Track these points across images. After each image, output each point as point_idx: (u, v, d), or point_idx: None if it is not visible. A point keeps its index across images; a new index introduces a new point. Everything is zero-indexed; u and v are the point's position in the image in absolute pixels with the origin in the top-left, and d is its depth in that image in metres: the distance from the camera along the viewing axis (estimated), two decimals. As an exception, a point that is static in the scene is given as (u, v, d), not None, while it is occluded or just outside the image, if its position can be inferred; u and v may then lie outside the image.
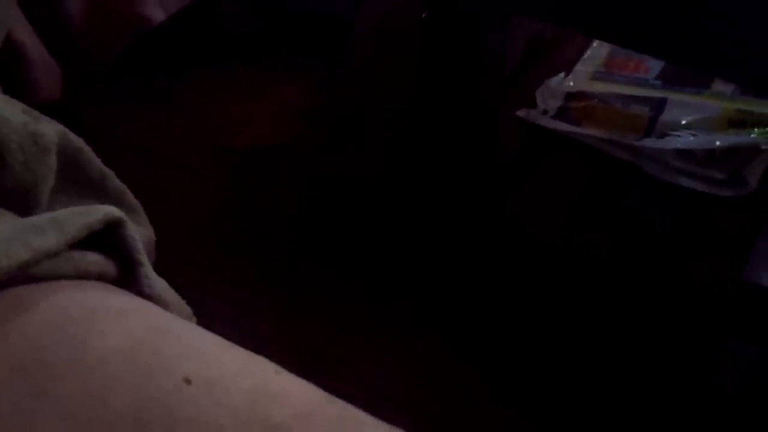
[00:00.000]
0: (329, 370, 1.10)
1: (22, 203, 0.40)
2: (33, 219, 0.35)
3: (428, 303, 1.18)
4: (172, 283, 0.44)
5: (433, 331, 1.16)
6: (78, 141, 0.46)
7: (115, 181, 0.48)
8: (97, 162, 0.47)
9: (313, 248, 1.26)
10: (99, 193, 0.47)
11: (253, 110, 1.45)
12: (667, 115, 1.13)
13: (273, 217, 1.30)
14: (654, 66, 1.21)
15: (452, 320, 1.17)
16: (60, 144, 0.43)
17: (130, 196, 0.49)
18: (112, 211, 0.37)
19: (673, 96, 1.16)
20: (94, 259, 0.36)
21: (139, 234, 0.42)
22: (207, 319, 0.45)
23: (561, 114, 1.17)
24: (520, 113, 1.17)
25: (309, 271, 1.23)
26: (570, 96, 1.19)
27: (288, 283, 1.22)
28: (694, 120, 1.11)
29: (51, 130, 0.42)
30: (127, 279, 0.38)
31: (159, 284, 0.40)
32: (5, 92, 0.49)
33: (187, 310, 0.45)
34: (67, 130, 0.45)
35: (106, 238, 0.38)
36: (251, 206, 1.32)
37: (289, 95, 1.46)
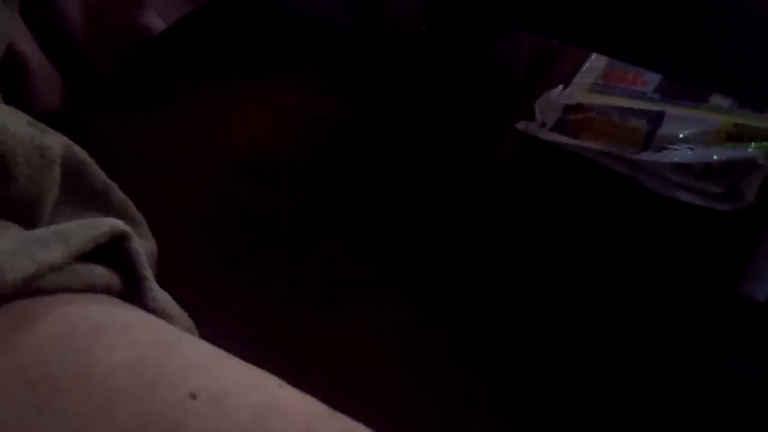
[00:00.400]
0: (329, 377, 1.11)
1: (27, 215, 0.41)
2: (38, 232, 0.35)
3: (428, 310, 1.18)
4: (169, 291, 0.44)
5: (433, 337, 1.17)
6: (82, 153, 0.46)
7: (118, 194, 0.48)
8: (100, 174, 0.47)
9: (311, 256, 1.26)
10: (102, 205, 0.47)
11: (252, 117, 1.45)
12: (664, 129, 1.14)
13: (272, 225, 1.30)
14: (652, 79, 1.21)
15: (452, 327, 1.17)
16: (65, 156, 0.44)
17: (133, 209, 0.49)
18: (117, 224, 0.37)
19: (670, 109, 1.16)
20: (99, 273, 0.36)
21: (143, 247, 0.42)
22: (205, 328, 0.46)
23: (559, 126, 1.17)
24: (519, 125, 1.18)
25: (308, 279, 1.23)
26: (568, 108, 1.19)
27: (287, 292, 1.22)
28: (692, 134, 1.12)
29: (56, 142, 0.43)
30: (132, 292, 0.38)
31: (163, 297, 0.40)
32: (6, 101, 0.49)
33: (190, 322, 0.45)
34: (71, 142, 0.46)
35: (111, 251, 0.38)
36: (250, 214, 1.32)
37: (287, 103, 1.47)
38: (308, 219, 1.30)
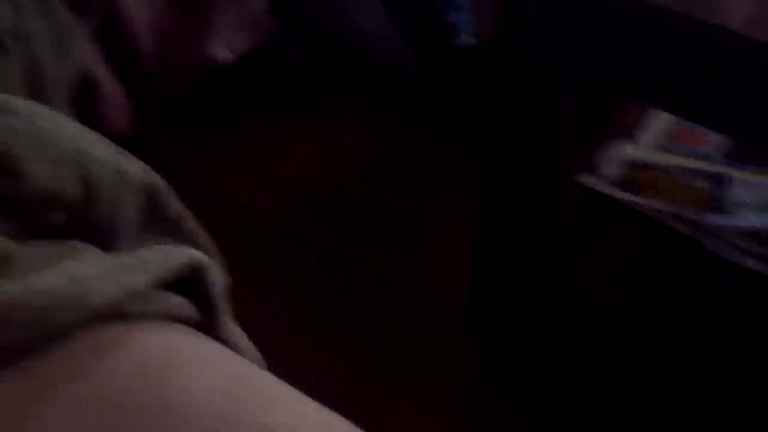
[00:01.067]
0: (381, 423, 1.10)
1: (105, 239, 0.41)
2: (122, 257, 0.35)
3: (484, 362, 1.17)
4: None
5: (488, 391, 1.16)
6: (159, 180, 0.46)
7: (191, 223, 0.49)
8: (174, 201, 0.48)
9: (367, 299, 1.26)
10: (176, 233, 0.47)
11: (313, 154, 1.46)
12: (730, 192, 1.12)
13: (328, 262, 1.31)
14: (718, 140, 1.20)
15: (508, 382, 1.16)
16: (143, 183, 0.44)
17: (205, 238, 0.50)
18: (197, 255, 0.38)
19: (737, 173, 1.15)
20: (178, 302, 0.36)
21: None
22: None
23: (622, 182, 1.16)
24: (581, 179, 1.17)
25: (362, 321, 1.23)
26: (632, 165, 1.18)
27: (339, 331, 1.22)
28: (758, 199, 1.10)
29: (138, 168, 0.43)
30: (206, 323, 0.38)
31: (235, 330, 0.41)
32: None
33: (258, 356, 0.45)
34: (149, 169, 0.46)
35: (188, 281, 0.38)
36: (307, 250, 1.33)
37: (348, 141, 1.47)
38: (365, 261, 1.30)
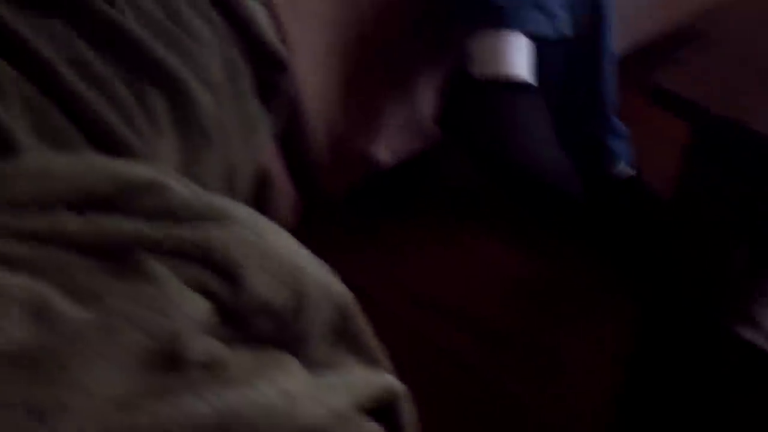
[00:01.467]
0: None
1: (300, 350, 0.42)
2: (330, 379, 0.36)
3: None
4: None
5: None
6: (352, 299, 0.47)
7: (373, 341, 0.49)
8: (362, 319, 0.49)
9: (503, 423, 1.24)
10: (359, 350, 0.48)
11: (459, 267, 1.46)
12: None
13: (460, 374, 1.30)
14: None
15: None
16: (341, 301, 0.45)
17: (386, 358, 0.50)
18: (395, 383, 0.38)
19: None
20: (374, 429, 0.37)
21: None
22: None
23: (782, 339, 1.12)
24: (740, 330, 1.13)
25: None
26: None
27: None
28: None
29: (340, 287, 0.45)
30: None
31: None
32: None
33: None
34: (345, 287, 0.47)
35: (382, 407, 0.39)
36: (440, 358, 1.32)
37: (498, 259, 1.47)
38: (502, 380, 1.29)
